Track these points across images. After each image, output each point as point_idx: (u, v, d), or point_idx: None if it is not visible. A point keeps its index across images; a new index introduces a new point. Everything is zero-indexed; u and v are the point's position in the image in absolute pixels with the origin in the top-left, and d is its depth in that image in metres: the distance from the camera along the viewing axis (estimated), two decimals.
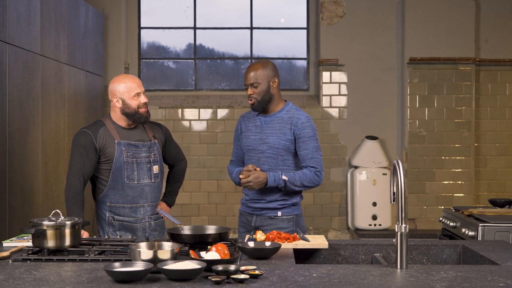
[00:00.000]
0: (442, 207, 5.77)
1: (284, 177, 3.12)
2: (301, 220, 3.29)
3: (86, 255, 2.42)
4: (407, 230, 2.28)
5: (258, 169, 3.15)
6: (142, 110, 3.19)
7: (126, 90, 3.17)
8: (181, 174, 3.59)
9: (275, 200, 3.21)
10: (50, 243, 2.45)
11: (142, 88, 3.23)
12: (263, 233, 2.71)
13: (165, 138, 3.40)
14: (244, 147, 3.32)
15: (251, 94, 3.21)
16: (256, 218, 3.26)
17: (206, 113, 6.25)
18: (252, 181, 3.10)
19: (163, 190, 3.53)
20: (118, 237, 3.12)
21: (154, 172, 3.26)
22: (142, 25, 6.51)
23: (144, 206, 3.23)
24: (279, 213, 3.22)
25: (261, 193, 3.22)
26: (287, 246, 2.63)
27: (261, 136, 3.24)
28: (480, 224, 3.55)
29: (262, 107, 3.23)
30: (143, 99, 3.20)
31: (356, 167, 6.02)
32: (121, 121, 3.24)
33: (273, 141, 3.19)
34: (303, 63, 6.54)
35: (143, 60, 6.57)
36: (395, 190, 2.33)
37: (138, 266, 2.09)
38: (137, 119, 3.20)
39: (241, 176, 3.15)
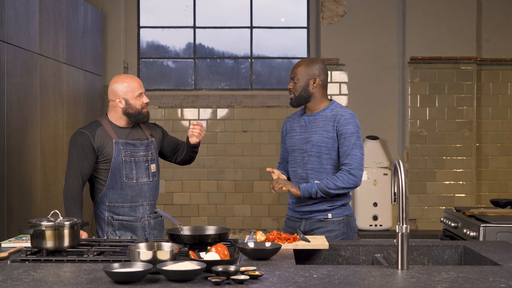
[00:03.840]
0: (443, 207, 5.75)
1: (316, 181, 3.08)
2: (352, 220, 3.21)
3: (85, 255, 2.41)
4: (408, 231, 2.26)
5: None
6: (144, 110, 3.21)
7: (129, 90, 3.17)
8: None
9: (323, 201, 3.13)
10: (49, 243, 2.43)
11: (143, 88, 3.25)
12: (263, 234, 2.69)
13: (162, 134, 3.41)
14: (289, 148, 3.28)
15: (290, 89, 3.22)
16: (306, 222, 3.18)
17: (206, 113, 6.24)
18: (283, 183, 3.07)
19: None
20: (117, 237, 3.11)
21: (152, 171, 3.26)
22: (141, 24, 6.50)
23: (143, 205, 3.22)
24: (330, 215, 3.14)
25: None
26: (287, 246, 2.61)
27: (305, 135, 3.19)
28: (481, 225, 3.53)
29: (299, 103, 3.22)
30: (145, 99, 3.22)
31: None
32: (120, 121, 3.23)
33: (316, 139, 3.14)
34: None
35: (142, 60, 6.55)
36: (396, 191, 2.32)
37: (137, 267, 2.07)
38: (139, 119, 3.21)
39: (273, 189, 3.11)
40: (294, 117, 3.33)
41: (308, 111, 3.25)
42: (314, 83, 3.18)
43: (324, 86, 3.22)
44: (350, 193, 3.24)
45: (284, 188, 3.09)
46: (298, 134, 3.23)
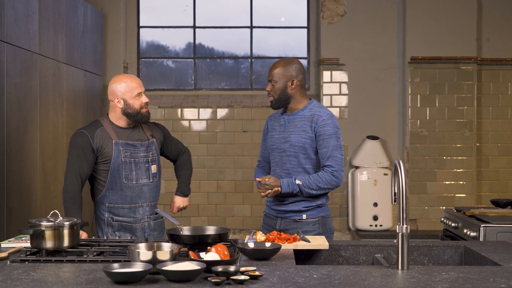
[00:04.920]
0: (444, 207, 5.74)
1: (297, 182, 3.07)
2: (328, 221, 3.21)
3: (85, 256, 2.41)
4: (408, 231, 2.26)
5: (267, 179, 3.09)
6: (143, 110, 3.20)
7: (128, 90, 3.16)
8: (186, 161, 3.50)
9: (300, 200, 3.14)
10: (49, 244, 2.43)
11: (143, 87, 3.23)
12: (263, 234, 2.69)
13: (163, 135, 3.39)
14: (269, 147, 3.30)
15: (269, 91, 3.22)
16: (281, 221, 3.19)
17: (206, 113, 6.23)
18: (271, 192, 3.07)
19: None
20: (117, 237, 3.10)
21: (152, 172, 3.24)
22: (141, 24, 6.50)
23: (143, 206, 3.21)
24: (304, 216, 3.15)
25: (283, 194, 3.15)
26: (287, 247, 2.61)
27: (284, 135, 3.21)
28: (482, 225, 3.53)
29: (279, 105, 3.22)
30: (144, 99, 3.20)
31: (357, 167, 6.00)
32: (120, 121, 3.22)
33: (294, 139, 3.15)
34: (304, 62, 6.51)
35: (142, 60, 6.55)
36: (396, 191, 2.32)
37: (137, 267, 2.07)
38: (139, 119, 3.20)
39: (259, 191, 3.11)
40: (276, 115, 3.34)
41: (288, 111, 3.26)
42: (292, 84, 3.17)
43: (303, 86, 3.23)
44: (329, 195, 3.25)
45: (269, 195, 3.09)
46: (277, 133, 3.25)
